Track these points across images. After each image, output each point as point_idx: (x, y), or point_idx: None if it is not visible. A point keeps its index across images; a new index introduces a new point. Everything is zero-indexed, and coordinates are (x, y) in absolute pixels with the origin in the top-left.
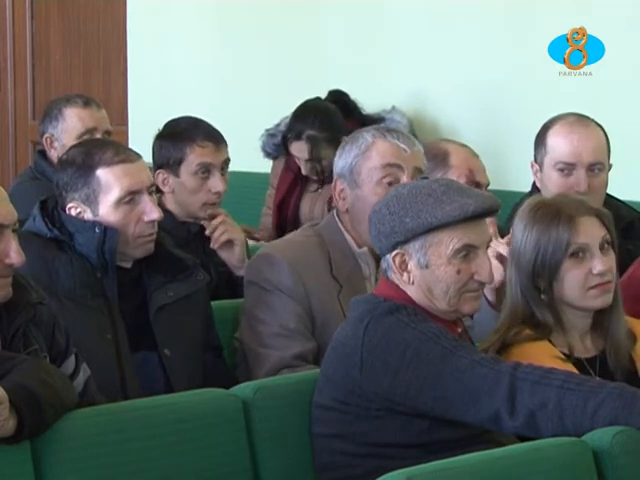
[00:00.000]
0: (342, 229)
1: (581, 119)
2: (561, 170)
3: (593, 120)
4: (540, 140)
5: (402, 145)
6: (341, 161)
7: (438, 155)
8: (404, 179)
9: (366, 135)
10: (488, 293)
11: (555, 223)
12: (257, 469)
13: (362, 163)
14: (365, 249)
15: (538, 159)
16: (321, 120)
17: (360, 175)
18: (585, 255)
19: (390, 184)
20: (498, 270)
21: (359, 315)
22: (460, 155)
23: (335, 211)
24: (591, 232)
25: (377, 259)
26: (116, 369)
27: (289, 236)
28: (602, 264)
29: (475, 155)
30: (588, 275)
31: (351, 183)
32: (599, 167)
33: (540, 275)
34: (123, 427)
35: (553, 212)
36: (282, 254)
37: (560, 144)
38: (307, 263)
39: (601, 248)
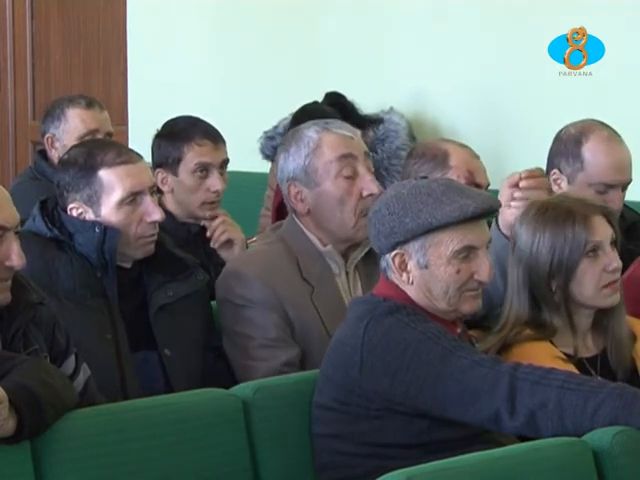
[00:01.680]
0: (304, 230)
1: (612, 134)
2: (599, 189)
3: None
4: (572, 152)
5: (347, 133)
6: (290, 164)
7: (438, 155)
8: (360, 167)
9: (308, 132)
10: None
11: (570, 223)
12: (257, 469)
13: (316, 160)
14: (330, 247)
15: (567, 171)
16: None
17: (317, 173)
18: (598, 253)
19: (349, 174)
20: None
21: (359, 315)
22: (460, 156)
23: (293, 214)
24: (603, 230)
25: (344, 255)
26: (116, 369)
27: (252, 248)
28: (616, 261)
29: (475, 156)
30: (602, 273)
31: (308, 183)
32: (629, 184)
33: (556, 276)
34: (123, 427)
35: (565, 213)
36: (249, 267)
37: (602, 164)
38: (276, 271)
39: (611, 245)
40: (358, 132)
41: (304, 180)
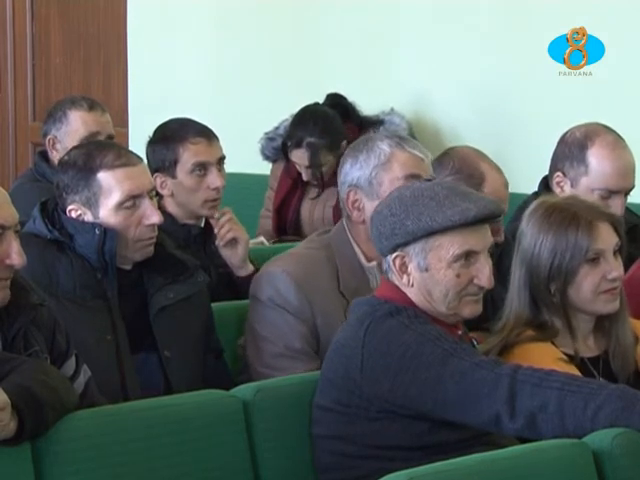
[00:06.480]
0: (352, 241)
1: (618, 139)
2: (602, 195)
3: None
4: (577, 156)
5: (419, 154)
6: (356, 171)
7: (474, 176)
8: None
9: (382, 145)
10: None
11: (574, 228)
12: (257, 470)
13: (383, 174)
14: (374, 263)
15: (571, 174)
16: (321, 126)
17: (382, 186)
18: (599, 260)
19: None
20: None
21: (360, 317)
22: (494, 184)
23: (345, 221)
24: (608, 238)
25: None
26: (116, 370)
27: (295, 249)
28: (617, 270)
29: (506, 184)
30: (602, 280)
31: (370, 194)
32: (631, 190)
33: (555, 279)
34: (123, 428)
35: (570, 217)
36: (288, 271)
37: (607, 170)
38: (314, 280)
39: (614, 254)
40: (429, 154)
41: (366, 190)
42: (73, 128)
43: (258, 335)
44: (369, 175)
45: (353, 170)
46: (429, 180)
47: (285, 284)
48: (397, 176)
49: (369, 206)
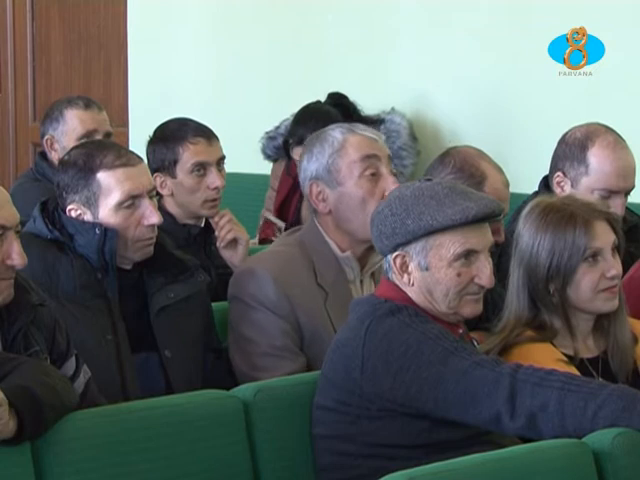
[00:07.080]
0: (323, 234)
1: (618, 139)
2: (603, 195)
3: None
4: (577, 157)
5: (372, 136)
6: (313, 164)
7: (475, 176)
8: (383, 168)
9: (333, 133)
10: None
11: (571, 227)
12: (257, 470)
13: (339, 160)
14: (348, 253)
15: (571, 174)
16: (322, 124)
17: (340, 172)
18: (597, 259)
19: (373, 175)
20: None
21: (360, 316)
22: (494, 184)
23: (314, 216)
24: (605, 236)
25: (361, 262)
26: (116, 370)
27: (271, 247)
28: (615, 268)
29: (507, 184)
30: (601, 278)
31: (330, 183)
32: (632, 190)
33: (553, 279)
34: (123, 428)
35: (567, 216)
36: (266, 268)
37: (607, 171)
38: (291, 275)
39: (612, 252)
40: (383, 136)
41: (327, 180)
42: (70, 127)
43: (241, 336)
44: (326, 164)
45: (310, 164)
46: (429, 179)
47: (263, 281)
48: (353, 159)
49: (332, 195)
